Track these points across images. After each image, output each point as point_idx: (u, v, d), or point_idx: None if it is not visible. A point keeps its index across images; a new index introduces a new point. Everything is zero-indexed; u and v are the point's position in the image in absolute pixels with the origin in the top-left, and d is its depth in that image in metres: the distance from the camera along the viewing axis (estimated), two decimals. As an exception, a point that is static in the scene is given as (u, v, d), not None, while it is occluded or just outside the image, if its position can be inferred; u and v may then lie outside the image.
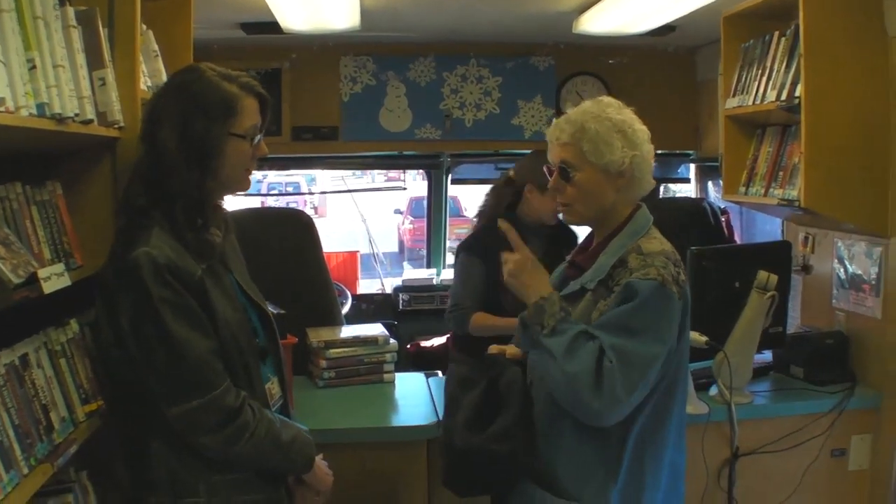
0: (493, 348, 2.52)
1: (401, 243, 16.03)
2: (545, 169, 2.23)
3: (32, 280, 1.68)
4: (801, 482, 2.96)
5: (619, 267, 2.08)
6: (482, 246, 3.15)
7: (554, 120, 2.23)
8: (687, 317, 2.10)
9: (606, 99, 2.20)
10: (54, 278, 1.75)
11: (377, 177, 17.15)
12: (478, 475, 2.25)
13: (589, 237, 2.29)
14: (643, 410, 2.05)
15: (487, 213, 3.29)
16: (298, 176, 14.68)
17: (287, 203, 11.40)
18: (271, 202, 12.30)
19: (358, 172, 8.81)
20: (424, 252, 5.92)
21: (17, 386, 1.66)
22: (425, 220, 5.63)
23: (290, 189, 14.08)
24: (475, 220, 3.42)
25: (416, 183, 12.03)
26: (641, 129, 2.15)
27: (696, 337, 2.60)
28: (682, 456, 2.23)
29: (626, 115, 2.15)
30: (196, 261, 1.92)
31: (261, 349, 2.09)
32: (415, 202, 15.15)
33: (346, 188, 6.83)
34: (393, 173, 16.67)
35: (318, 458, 2.13)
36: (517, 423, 2.18)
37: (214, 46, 4.19)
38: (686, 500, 2.26)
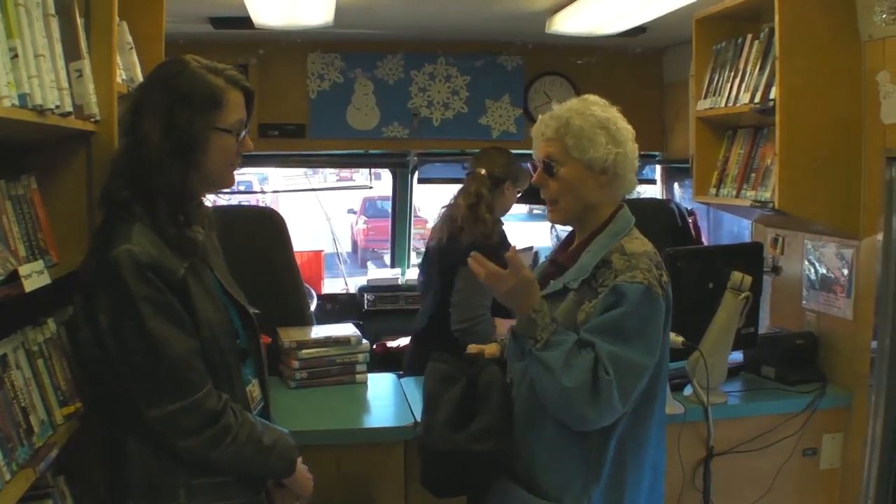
0: (472, 348, 2.50)
1: (354, 244, 15.93)
2: (530, 165, 2.23)
3: (12, 278, 1.62)
4: (774, 481, 2.98)
5: (603, 267, 2.08)
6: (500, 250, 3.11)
7: (539, 116, 2.23)
8: (669, 317, 2.11)
9: (592, 97, 2.21)
10: (35, 276, 1.69)
11: (329, 176, 17.01)
12: (458, 474, 2.22)
13: (570, 236, 2.29)
14: (625, 410, 2.04)
15: (490, 209, 3.17)
16: (250, 175, 14.51)
17: (239, 202, 11.27)
18: (223, 201, 12.11)
19: (309, 171, 8.70)
20: (379, 252, 5.87)
21: (-3, 388, 1.60)
22: (382, 220, 5.58)
23: (241, 187, 13.90)
24: (443, 219, 3.34)
25: (370, 182, 11.96)
26: (626, 128, 2.16)
27: (673, 337, 2.60)
28: (662, 455, 2.25)
29: (610, 113, 2.16)
30: (178, 258, 1.87)
31: (242, 350, 2.05)
32: (368, 202, 15.10)
33: (306, 187, 6.73)
34: (345, 172, 16.59)
35: (299, 462, 2.09)
36: (499, 421, 2.16)
37: (181, 41, 4.09)
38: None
